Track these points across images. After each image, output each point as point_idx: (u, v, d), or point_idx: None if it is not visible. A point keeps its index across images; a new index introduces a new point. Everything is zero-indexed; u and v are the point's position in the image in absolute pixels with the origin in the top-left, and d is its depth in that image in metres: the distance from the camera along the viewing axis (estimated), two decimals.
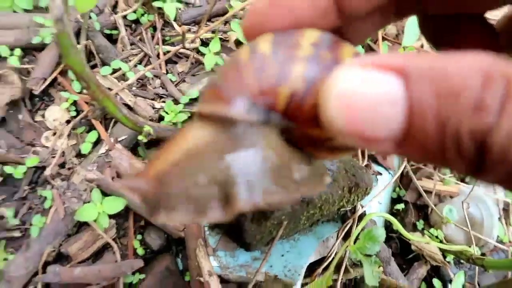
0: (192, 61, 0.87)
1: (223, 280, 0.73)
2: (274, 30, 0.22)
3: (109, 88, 0.79)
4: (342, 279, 0.82)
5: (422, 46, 1.10)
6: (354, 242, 0.74)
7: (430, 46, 0.27)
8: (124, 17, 0.89)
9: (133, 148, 0.79)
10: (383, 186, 0.87)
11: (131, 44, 0.86)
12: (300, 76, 0.19)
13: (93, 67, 0.83)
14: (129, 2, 0.90)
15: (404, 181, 1.04)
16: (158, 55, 0.85)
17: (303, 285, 0.75)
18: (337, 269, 0.78)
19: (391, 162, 0.95)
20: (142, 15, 0.90)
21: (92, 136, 0.76)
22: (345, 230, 0.79)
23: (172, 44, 0.88)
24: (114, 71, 0.81)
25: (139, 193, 0.21)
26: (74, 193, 0.70)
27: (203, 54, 0.85)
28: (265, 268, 0.75)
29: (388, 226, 0.94)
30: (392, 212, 0.98)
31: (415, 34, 0.97)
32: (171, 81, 0.83)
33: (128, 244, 0.73)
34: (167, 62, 0.86)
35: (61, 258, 0.70)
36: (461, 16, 0.25)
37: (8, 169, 0.72)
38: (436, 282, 0.89)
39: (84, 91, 0.79)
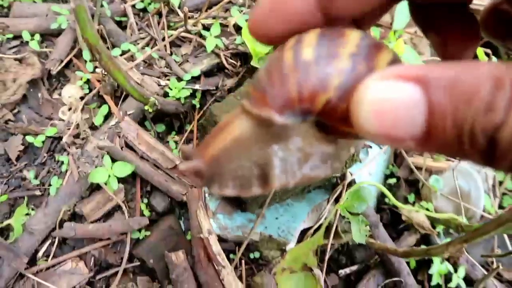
0: (195, 44, 0.95)
1: (221, 239, 0.80)
2: (277, 30, 0.24)
3: None
4: (333, 244, 0.88)
5: (415, 32, 1.16)
6: None
7: (420, 31, 0.29)
8: (133, 5, 0.97)
9: (141, 121, 0.87)
10: (374, 159, 0.92)
11: (139, 29, 0.94)
12: (337, 86, 0.22)
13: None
14: None
15: (398, 160, 1.09)
16: (163, 39, 0.93)
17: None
18: (328, 234, 0.84)
19: None
20: (149, 3, 0.98)
21: (103, 110, 0.84)
22: (335, 195, 0.84)
23: (177, 29, 0.96)
24: (123, 52, 0.89)
25: (197, 171, 0.26)
26: (87, 159, 0.78)
27: (205, 38, 0.93)
28: (260, 229, 0.81)
29: (380, 199, 1.00)
30: (385, 187, 1.04)
31: (405, 18, 1.02)
32: (175, 61, 0.91)
33: (136, 206, 0.81)
34: (172, 45, 0.94)
35: (75, 217, 0.78)
36: (447, 5, 0.27)
37: (29, 138, 0.80)
38: None
39: (97, 70, 0.87)
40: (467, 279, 0.88)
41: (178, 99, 0.86)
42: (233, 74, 0.93)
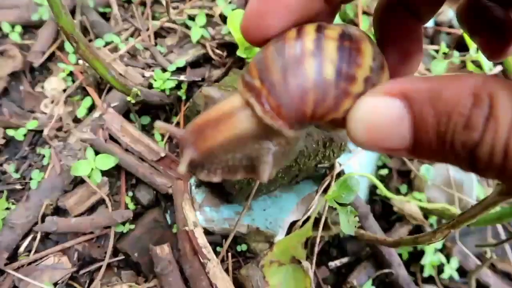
0: (180, 35, 0.93)
1: (208, 232, 0.79)
2: (272, 28, 0.25)
3: None
4: (324, 236, 0.86)
5: None
6: None
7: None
8: None
9: (125, 114, 0.85)
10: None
11: (123, 20, 0.93)
12: (347, 109, 0.23)
13: (88, 42, 0.90)
14: None
15: None
16: (148, 30, 0.91)
17: None
18: (317, 226, 0.83)
19: None
20: None
21: (86, 102, 0.82)
22: (324, 187, 0.83)
23: (161, 20, 0.94)
24: (107, 44, 0.87)
25: (189, 158, 0.27)
26: (70, 152, 0.77)
27: (190, 28, 0.91)
28: (247, 221, 0.79)
29: (371, 191, 0.98)
30: (377, 178, 1.02)
31: None
32: (160, 52, 0.89)
33: (120, 200, 0.79)
34: (157, 36, 0.93)
35: (59, 212, 0.76)
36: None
37: (10, 132, 0.78)
38: None
39: (80, 62, 0.85)
40: (460, 270, 0.87)
41: (163, 90, 0.84)
42: (220, 65, 0.91)
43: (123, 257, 0.75)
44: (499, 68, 0.96)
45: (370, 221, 0.84)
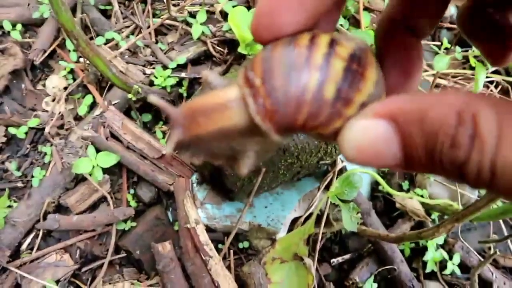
0: (181, 32, 0.93)
1: (210, 229, 0.79)
2: (283, 28, 0.24)
3: None
4: (326, 233, 0.86)
5: None
6: None
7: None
8: None
9: (126, 111, 0.85)
10: None
11: (124, 17, 0.92)
12: (338, 127, 0.23)
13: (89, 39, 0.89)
14: None
15: None
16: (148, 27, 0.91)
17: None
18: (319, 222, 0.83)
19: None
20: None
21: (88, 100, 0.82)
22: (326, 183, 0.83)
23: (162, 17, 0.94)
24: (108, 41, 0.87)
25: (177, 139, 0.27)
26: (71, 150, 0.77)
27: (191, 25, 0.91)
28: (249, 218, 0.79)
29: (373, 187, 0.98)
30: (378, 174, 1.02)
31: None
32: (161, 49, 0.89)
33: (122, 197, 0.79)
34: (158, 33, 0.92)
35: (60, 209, 0.76)
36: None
37: (12, 130, 0.78)
38: None
39: (81, 59, 0.85)
40: (462, 266, 0.87)
41: (164, 87, 0.84)
42: (221, 62, 0.91)
43: (125, 254, 0.75)
44: None
45: (372, 217, 0.84)
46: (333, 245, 0.89)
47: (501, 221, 0.95)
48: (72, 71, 0.86)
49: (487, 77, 1.02)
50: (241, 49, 0.86)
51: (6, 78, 0.83)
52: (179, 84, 0.87)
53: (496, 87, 1.03)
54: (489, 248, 0.92)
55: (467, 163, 0.18)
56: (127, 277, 0.73)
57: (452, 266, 0.85)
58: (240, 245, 0.79)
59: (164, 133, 0.85)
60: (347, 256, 0.86)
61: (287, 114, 0.23)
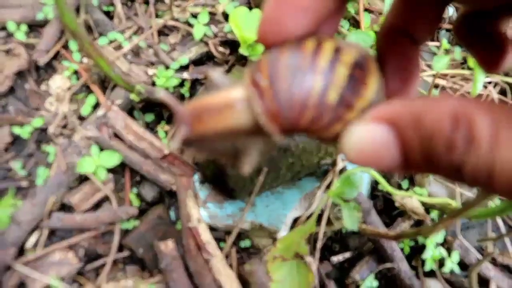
0: (183, 33, 0.94)
1: (211, 228, 0.80)
2: (290, 32, 0.25)
3: None
4: (326, 232, 0.87)
5: None
6: None
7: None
8: None
9: (129, 111, 0.86)
10: None
11: (127, 18, 0.93)
12: (336, 132, 0.25)
13: (92, 40, 0.90)
14: None
15: None
16: (151, 28, 0.92)
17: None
18: (320, 221, 0.84)
19: None
20: None
21: (91, 100, 0.83)
22: (327, 183, 0.84)
23: (164, 18, 0.95)
24: (111, 42, 0.88)
25: (183, 136, 0.28)
26: (75, 149, 0.78)
27: (193, 26, 0.92)
28: (251, 217, 0.80)
29: (373, 186, 0.99)
30: (378, 173, 1.03)
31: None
32: (163, 50, 0.90)
33: (125, 196, 0.80)
34: (160, 34, 0.93)
35: (64, 208, 0.77)
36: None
37: (16, 129, 0.79)
38: None
39: (84, 60, 0.86)
40: (461, 264, 0.88)
41: (167, 88, 0.85)
42: (223, 62, 0.92)
43: (128, 253, 0.76)
44: None
45: (373, 216, 0.85)
46: (334, 244, 0.90)
47: (499, 219, 0.96)
48: (75, 72, 0.87)
49: (485, 78, 1.03)
50: (242, 50, 0.87)
51: (11, 79, 0.83)
52: (181, 84, 0.88)
53: (494, 87, 1.04)
54: (486, 247, 0.93)
55: (464, 166, 0.19)
56: (130, 275, 0.74)
57: (451, 264, 0.86)
58: (242, 244, 0.80)
59: (166, 133, 0.86)
60: (347, 255, 0.87)
61: (291, 116, 0.25)
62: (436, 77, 0.94)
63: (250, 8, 0.93)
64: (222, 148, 0.30)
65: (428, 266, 0.86)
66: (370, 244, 0.89)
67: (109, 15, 0.95)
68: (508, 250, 0.92)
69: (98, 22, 0.90)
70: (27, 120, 0.81)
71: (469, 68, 1.06)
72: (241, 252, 0.80)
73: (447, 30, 1.14)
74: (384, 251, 0.85)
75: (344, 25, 1.05)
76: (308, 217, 0.83)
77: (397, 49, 0.29)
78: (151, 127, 0.87)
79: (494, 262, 0.90)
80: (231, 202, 0.81)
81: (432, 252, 0.86)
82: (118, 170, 0.81)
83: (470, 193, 0.94)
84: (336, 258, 0.86)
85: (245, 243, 0.80)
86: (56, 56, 0.89)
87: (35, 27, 0.91)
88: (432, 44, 1.07)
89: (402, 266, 0.83)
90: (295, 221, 0.85)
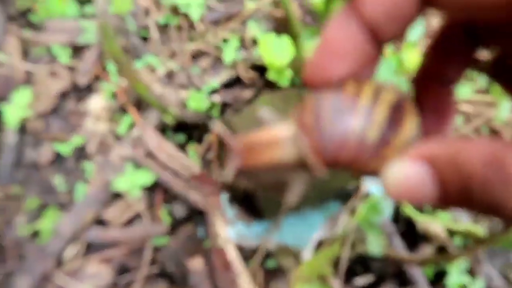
0: (214, 57, 0.98)
1: (239, 248, 0.82)
2: (332, 76, 0.28)
3: None
4: (349, 254, 0.89)
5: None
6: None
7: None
8: (155, 21, 1.02)
9: (162, 131, 0.90)
10: None
11: (161, 43, 0.99)
12: (373, 168, 0.26)
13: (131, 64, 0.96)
14: (159, 8, 1.04)
15: None
16: (183, 52, 0.97)
17: None
18: (344, 244, 0.85)
19: None
20: (170, 19, 1.02)
21: (127, 120, 0.88)
22: (351, 206, 0.85)
23: (196, 43, 1.00)
24: (146, 65, 0.93)
25: (235, 166, 0.31)
26: (111, 167, 0.82)
27: (223, 51, 0.96)
28: (276, 238, 0.83)
29: (396, 209, 1.00)
30: None
31: (419, 29, 1.03)
32: (195, 74, 0.94)
33: (156, 214, 0.84)
34: (192, 58, 0.98)
35: (99, 222, 0.81)
36: None
37: (58, 147, 0.85)
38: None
39: (122, 82, 0.91)
40: None
41: (198, 110, 0.89)
42: (251, 86, 0.96)
43: (159, 268, 0.79)
44: None
45: (395, 240, 0.86)
46: (356, 266, 0.91)
47: None
48: (113, 93, 0.92)
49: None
50: (270, 75, 0.91)
51: (54, 99, 0.89)
52: (211, 107, 0.92)
53: None
54: None
55: (501, 206, 0.20)
56: None
57: None
58: (268, 264, 0.82)
59: (196, 152, 0.90)
60: (370, 278, 0.88)
61: (333, 152, 0.27)
62: (459, 102, 0.96)
63: (279, 34, 0.97)
64: (270, 180, 0.33)
65: None
66: (393, 268, 0.90)
67: (145, 39, 1.01)
68: None
69: (134, 46, 0.96)
70: (68, 138, 0.86)
71: (492, 94, 1.06)
72: (267, 272, 0.82)
73: None
74: (407, 275, 0.85)
75: None
76: (333, 240, 0.85)
77: (432, 91, 0.31)
78: (182, 147, 0.91)
79: None
80: (259, 222, 0.83)
81: (456, 278, 0.86)
82: (150, 188, 0.85)
83: (495, 219, 0.94)
84: (359, 281, 0.87)
85: (270, 263, 0.82)
86: (96, 78, 0.95)
87: (77, 50, 0.97)
88: None
89: None
90: (320, 243, 0.87)
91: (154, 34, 0.99)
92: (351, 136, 0.26)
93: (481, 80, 1.01)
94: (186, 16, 1.01)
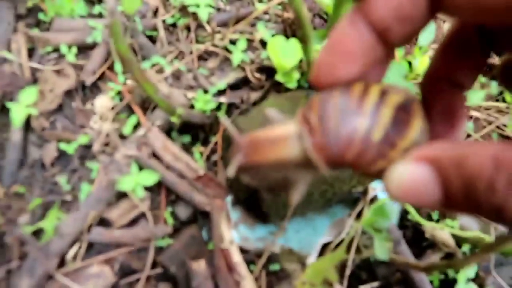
0: (221, 59, 0.98)
1: (242, 250, 0.81)
2: (340, 77, 0.27)
3: None
4: (354, 259, 0.87)
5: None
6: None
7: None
8: (163, 21, 1.01)
9: (167, 132, 0.89)
10: None
11: (168, 43, 0.98)
12: (378, 168, 0.26)
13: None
14: (168, 8, 1.03)
15: None
16: (191, 53, 0.97)
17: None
18: (349, 249, 0.84)
19: None
20: (179, 19, 1.02)
21: (132, 120, 0.87)
22: (357, 210, 0.84)
23: (204, 44, 0.99)
24: (153, 65, 0.93)
25: (239, 163, 0.31)
26: (115, 167, 0.82)
27: (231, 52, 0.96)
28: (281, 242, 0.82)
29: (403, 215, 0.98)
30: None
31: (430, 34, 1.02)
32: (202, 75, 0.94)
33: (160, 214, 0.83)
34: (200, 59, 0.98)
35: (103, 222, 0.80)
36: None
37: (63, 146, 0.84)
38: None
39: (128, 82, 0.91)
40: None
41: (204, 111, 0.89)
42: (258, 88, 0.95)
43: (161, 270, 0.78)
44: None
45: (402, 246, 0.85)
46: (361, 272, 0.89)
47: None
48: (119, 93, 0.91)
49: None
50: (278, 77, 0.90)
51: (60, 97, 0.89)
52: (218, 108, 0.91)
53: None
54: None
55: (504, 209, 0.19)
56: None
57: None
58: (271, 268, 0.81)
59: (201, 154, 0.89)
60: (375, 284, 0.86)
61: (337, 151, 0.27)
62: (471, 109, 0.94)
63: (287, 37, 0.96)
64: (274, 177, 0.32)
65: None
66: (399, 275, 0.88)
67: (152, 39, 1.00)
68: None
69: (142, 46, 0.95)
70: (73, 136, 0.86)
71: (504, 101, 1.05)
72: (270, 275, 0.81)
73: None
74: (413, 282, 0.84)
75: None
76: (338, 244, 0.83)
77: (441, 95, 0.30)
78: (187, 148, 0.90)
79: None
80: (263, 225, 0.82)
81: (463, 287, 0.84)
82: (154, 189, 0.84)
83: (503, 227, 0.92)
84: (364, 287, 0.85)
85: (274, 267, 0.81)
86: (102, 77, 0.95)
87: (84, 49, 0.97)
88: None
89: None
90: (324, 247, 0.85)
91: (162, 34, 0.99)
92: (356, 136, 0.26)
93: (493, 86, 1.00)
94: (194, 16, 1.01)
